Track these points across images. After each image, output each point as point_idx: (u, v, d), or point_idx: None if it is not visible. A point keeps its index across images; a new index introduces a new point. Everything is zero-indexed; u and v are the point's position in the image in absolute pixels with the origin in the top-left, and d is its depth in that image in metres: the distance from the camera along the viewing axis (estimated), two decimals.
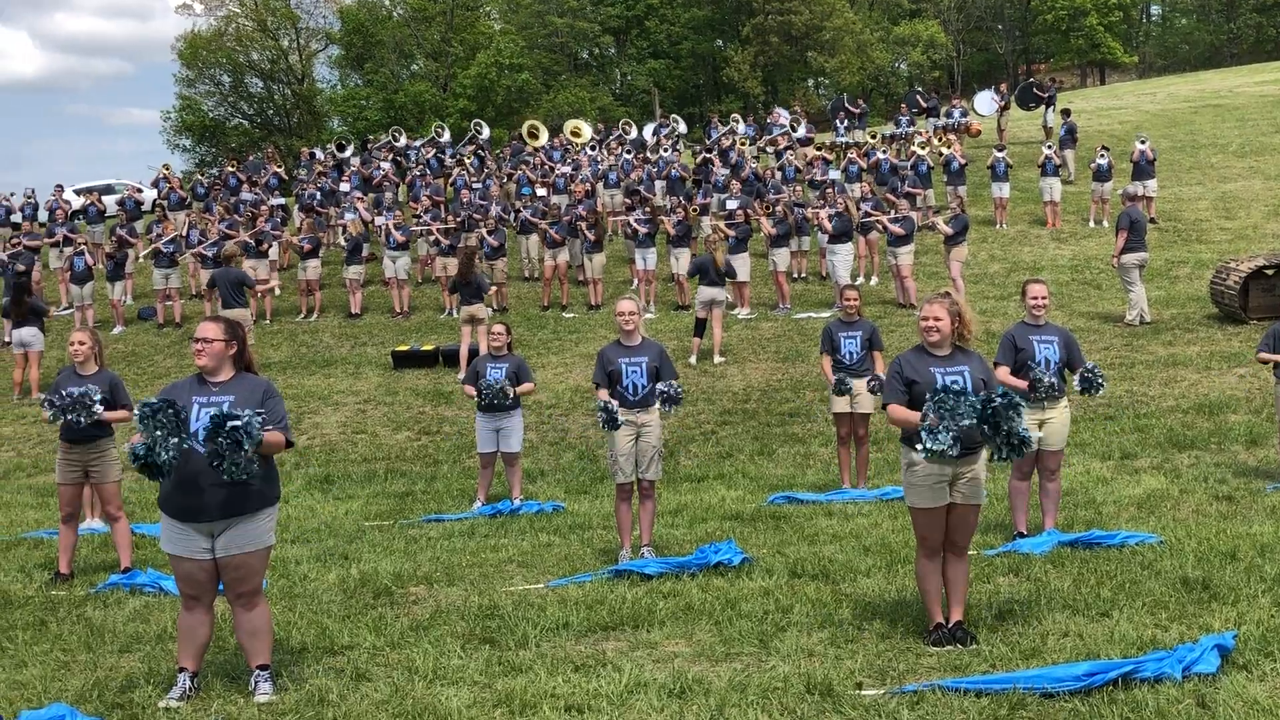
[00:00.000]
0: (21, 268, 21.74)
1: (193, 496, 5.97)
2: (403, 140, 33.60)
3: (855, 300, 12.04)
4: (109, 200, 31.05)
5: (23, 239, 24.54)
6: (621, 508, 9.49)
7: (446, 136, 33.08)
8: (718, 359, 18.20)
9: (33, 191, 29.65)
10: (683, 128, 32.14)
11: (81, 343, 9.65)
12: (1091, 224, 24.69)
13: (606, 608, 7.65)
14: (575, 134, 34.10)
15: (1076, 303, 19.73)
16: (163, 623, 7.74)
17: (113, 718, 5.91)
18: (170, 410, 5.83)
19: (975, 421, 6.19)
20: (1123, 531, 9.00)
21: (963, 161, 25.70)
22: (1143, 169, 24.32)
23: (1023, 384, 8.88)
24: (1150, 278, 19.36)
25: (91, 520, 11.79)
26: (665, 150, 29.54)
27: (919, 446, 6.29)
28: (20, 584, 9.41)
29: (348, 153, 32.33)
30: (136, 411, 5.83)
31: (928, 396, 6.33)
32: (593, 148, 31.72)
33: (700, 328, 18.45)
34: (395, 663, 6.68)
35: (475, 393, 12.26)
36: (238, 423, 5.69)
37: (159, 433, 5.76)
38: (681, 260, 21.42)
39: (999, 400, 6.21)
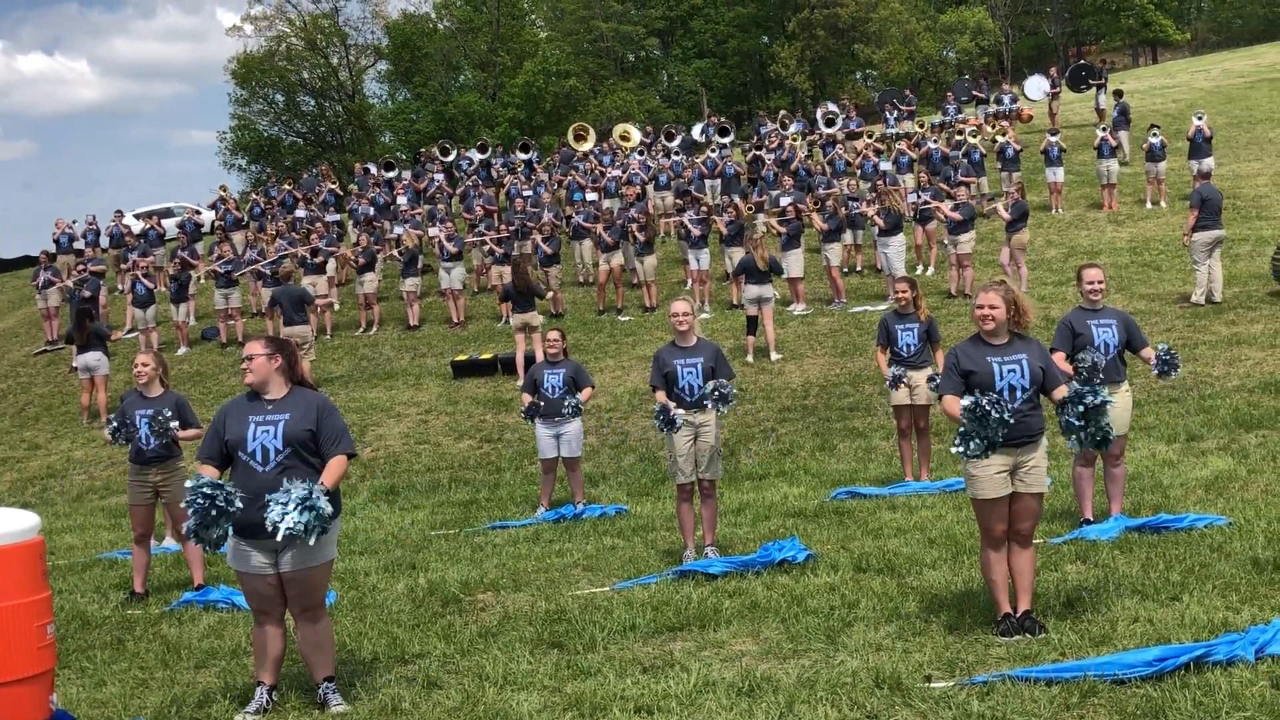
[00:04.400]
0: (87, 293, 22.12)
1: (255, 514, 6.03)
2: (452, 155, 33.62)
3: (906, 292, 12.00)
4: (169, 223, 31.51)
5: (87, 265, 24.96)
6: (683, 508, 9.51)
7: (389, 173, 32.87)
8: (774, 356, 18.17)
9: (94, 218, 30.25)
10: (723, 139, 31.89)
11: (145, 364, 9.82)
12: (1148, 205, 24.36)
13: (672, 608, 7.68)
14: (624, 138, 34.11)
15: (1136, 285, 19.48)
16: (237, 638, 7.86)
17: None
18: (216, 494, 5.88)
19: (998, 441, 6.37)
20: (1191, 514, 8.91)
21: (1017, 148, 25.50)
22: (1200, 146, 23.91)
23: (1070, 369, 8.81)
24: None
25: (168, 540, 11.97)
26: (713, 151, 29.51)
27: (953, 447, 6.50)
28: (97, 604, 9.59)
29: (393, 173, 32.52)
30: (188, 486, 5.92)
31: (963, 405, 6.39)
32: (641, 151, 31.73)
33: (752, 325, 18.44)
34: (466, 669, 6.76)
35: (528, 406, 12.38)
36: (299, 518, 5.78)
37: (207, 517, 5.87)
38: (735, 259, 21.39)
39: (1092, 401, 6.44)
